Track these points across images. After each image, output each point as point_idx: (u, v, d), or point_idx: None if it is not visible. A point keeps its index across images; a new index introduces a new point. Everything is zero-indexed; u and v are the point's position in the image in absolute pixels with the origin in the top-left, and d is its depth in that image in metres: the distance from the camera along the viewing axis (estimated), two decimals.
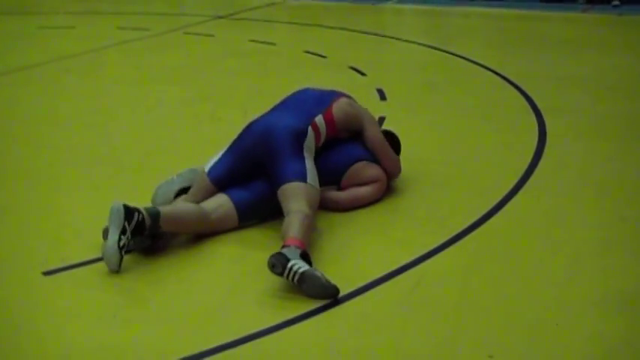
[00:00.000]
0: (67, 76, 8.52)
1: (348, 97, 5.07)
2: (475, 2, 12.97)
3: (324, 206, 4.75)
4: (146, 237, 4.25)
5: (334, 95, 4.99)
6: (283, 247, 3.97)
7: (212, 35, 10.80)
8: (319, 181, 4.56)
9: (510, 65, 8.46)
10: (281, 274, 3.85)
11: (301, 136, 4.58)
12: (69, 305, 3.84)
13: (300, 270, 3.82)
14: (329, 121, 4.79)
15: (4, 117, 6.97)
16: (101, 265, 4.16)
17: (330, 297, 3.81)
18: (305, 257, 3.93)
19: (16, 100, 7.51)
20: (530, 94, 7.27)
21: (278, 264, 3.84)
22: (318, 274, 3.82)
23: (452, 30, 11.63)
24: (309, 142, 4.62)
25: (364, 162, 4.90)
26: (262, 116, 4.81)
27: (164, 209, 4.28)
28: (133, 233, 4.08)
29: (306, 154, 4.54)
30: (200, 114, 6.97)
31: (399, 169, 5.06)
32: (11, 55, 9.55)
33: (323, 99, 4.92)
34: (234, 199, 4.54)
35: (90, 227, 4.61)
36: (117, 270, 4.06)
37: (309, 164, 4.51)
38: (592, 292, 3.87)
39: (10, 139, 6.32)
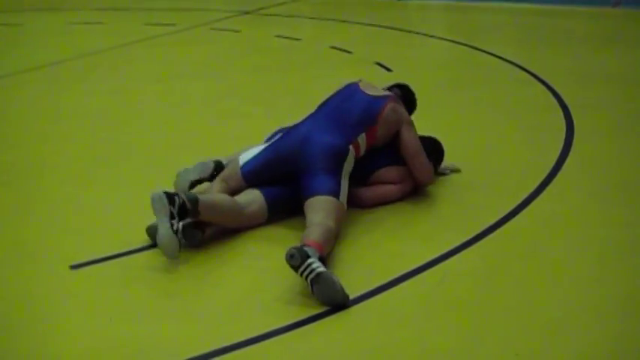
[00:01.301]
0: (94, 71, 8.57)
1: (394, 100, 4.91)
2: None
3: (348, 202, 4.74)
4: (196, 230, 4.27)
5: (381, 104, 4.82)
6: (304, 245, 3.93)
7: (238, 31, 10.82)
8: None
9: (538, 61, 8.41)
10: (297, 268, 3.78)
11: (342, 155, 4.54)
12: (94, 299, 3.86)
13: (319, 269, 3.76)
14: (371, 138, 4.74)
15: (32, 112, 7.02)
16: (127, 259, 4.21)
17: (339, 304, 3.73)
18: (323, 262, 3.88)
19: (44, 96, 7.56)
20: (557, 90, 7.23)
21: (298, 256, 3.78)
22: (335, 278, 3.76)
23: (478, 25, 11.57)
24: (349, 163, 4.57)
25: (393, 167, 4.87)
26: (305, 122, 4.77)
27: (202, 196, 4.29)
28: (179, 215, 4.09)
29: (343, 174, 4.49)
30: (226, 109, 6.99)
31: (430, 178, 4.93)
32: (40, 51, 9.62)
33: (369, 112, 4.77)
34: (265, 195, 4.55)
35: (117, 222, 4.66)
36: (176, 256, 4.08)
37: (344, 184, 4.46)
38: (618, 292, 3.85)
39: (38, 135, 6.37)
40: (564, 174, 5.27)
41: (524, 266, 4.13)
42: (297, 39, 10.07)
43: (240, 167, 4.67)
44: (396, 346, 3.46)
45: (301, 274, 3.79)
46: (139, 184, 5.23)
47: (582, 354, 3.39)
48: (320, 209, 4.28)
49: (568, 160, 5.50)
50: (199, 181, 4.89)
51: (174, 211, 4.09)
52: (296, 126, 4.77)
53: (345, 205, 4.42)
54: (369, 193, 4.81)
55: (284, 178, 4.60)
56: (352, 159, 4.61)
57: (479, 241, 4.38)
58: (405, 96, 5.14)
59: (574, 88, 7.37)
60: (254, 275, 4.07)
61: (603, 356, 3.39)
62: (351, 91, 4.94)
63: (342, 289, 3.74)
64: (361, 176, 4.81)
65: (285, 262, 3.82)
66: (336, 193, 4.37)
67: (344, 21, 11.40)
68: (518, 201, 4.83)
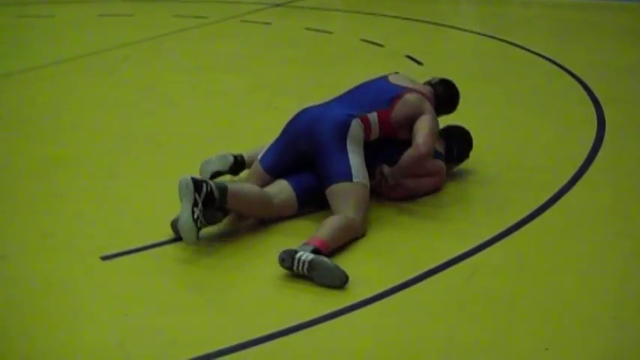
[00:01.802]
0: (125, 63, 8.61)
1: (420, 93, 4.85)
2: None
3: (378, 192, 4.74)
4: (217, 210, 4.25)
5: (400, 90, 4.80)
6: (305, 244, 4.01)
7: (269, 23, 10.83)
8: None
9: (569, 55, 8.36)
10: (290, 268, 3.89)
11: (344, 127, 4.51)
12: (126, 290, 3.89)
13: (309, 258, 3.86)
14: (384, 120, 4.70)
15: (63, 104, 7.07)
16: (157, 250, 4.23)
17: (339, 282, 3.81)
18: (317, 254, 3.92)
19: (76, 88, 7.61)
20: (589, 84, 7.18)
21: (287, 257, 3.90)
22: (326, 259, 3.84)
23: (510, 19, 11.51)
24: (354, 133, 4.52)
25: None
26: (315, 105, 4.81)
27: (231, 185, 4.29)
28: (204, 204, 4.11)
29: (350, 147, 4.47)
30: (256, 102, 7.00)
31: (427, 151, 4.61)
32: (71, 43, 9.68)
33: (386, 95, 4.77)
34: (293, 185, 4.54)
35: (148, 213, 4.69)
36: (195, 243, 4.11)
37: (354, 159, 4.44)
38: None
39: (69, 126, 6.41)
40: (595, 169, 5.24)
41: (554, 261, 4.11)
42: (328, 32, 10.07)
43: (259, 162, 4.69)
44: (426, 339, 3.46)
45: (298, 272, 3.87)
46: (169, 176, 5.22)
47: (613, 349, 3.37)
48: (337, 199, 4.34)
49: (599, 155, 5.46)
50: (219, 173, 4.93)
51: (199, 199, 4.10)
52: (302, 110, 4.76)
53: (364, 178, 4.41)
54: (399, 187, 4.75)
55: (307, 164, 4.59)
56: (359, 132, 4.55)
57: (508, 235, 4.36)
58: (445, 93, 5.08)
59: (605, 82, 7.32)
60: (284, 269, 4.08)
61: (636, 351, 3.37)
62: (376, 80, 4.97)
63: (338, 268, 3.82)
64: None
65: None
66: (348, 175, 4.36)
67: (375, 14, 11.37)
68: (549, 196, 4.81)
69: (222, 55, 8.98)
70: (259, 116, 6.57)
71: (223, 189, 4.20)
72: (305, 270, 3.86)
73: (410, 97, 4.77)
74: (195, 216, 4.08)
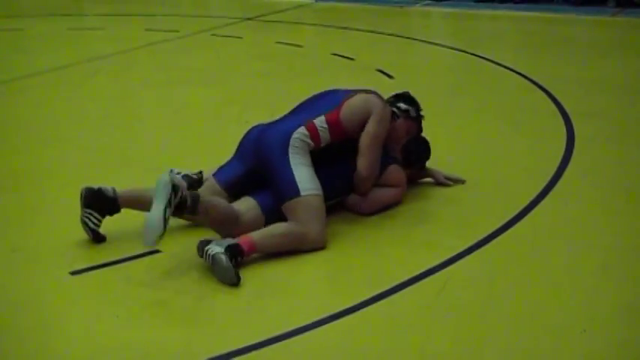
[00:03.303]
0: (96, 77, 8.58)
1: (373, 93, 4.81)
2: (503, 5, 12.91)
3: (348, 210, 4.76)
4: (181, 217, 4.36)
5: (350, 93, 4.78)
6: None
7: (240, 37, 10.83)
8: (344, 187, 4.62)
9: (539, 69, 8.42)
10: (201, 257, 4.10)
11: (284, 141, 4.47)
12: (95, 305, 3.86)
13: (212, 252, 4.01)
14: (334, 122, 4.61)
15: (33, 118, 7.03)
16: (127, 265, 4.21)
17: (229, 282, 3.96)
18: (235, 251, 4.05)
19: (46, 101, 7.56)
20: (558, 97, 7.23)
21: (200, 247, 4.11)
22: (224, 258, 3.97)
23: (480, 33, 11.59)
24: (296, 144, 4.46)
25: (391, 166, 4.85)
26: (264, 122, 4.79)
27: (203, 196, 4.27)
28: (176, 208, 4.11)
29: (293, 160, 4.42)
30: (227, 116, 6.99)
31: (367, 178, 4.66)
32: (41, 57, 9.63)
33: (335, 99, 4.72)
34: (260, 202, 4.51)
35: (117, 228, 4.64)
36: (154, 244, 4.06)
37: (299, 171, 4.39)
38: (620, 299, 3.85)
39: (39, 140, 6.37)
40: (565, 181, 5.27)
41: (526, 273, 4.13)
42: (299, 45, 10.08)
43: (214, 178, 4.66)
44: (398, 352, 3.45)
45: (205, 261, 4.07)
46: None
47: None
48: (292, 216, 4.33)
49: (569, 168, 5.49)
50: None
51: (173, 202, 4.08)
52: (253, 127, 4.77)
53: (313, 190, 4.35)
54: (364, 203, 4.76)
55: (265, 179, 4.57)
56: (303, 141, 4.49)
57: (480, 247, 4.37)
58: (416, 149, 5.05)
59: (575, 95, 7.37)
60: (257, 280, 4.06)
61: None
62: (329, 90, 4.95)
63: (231, 269, 3.96)
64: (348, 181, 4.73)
65: (289, 265, 3.98)
66: (295, 191, 4.32)
67: (346, 28, 11.41)
68: (520, 208, 4.83)
69: (194, 69, 8.97)
70: (230, 130, 6.52)
71: (196, 197, 4.19)
72: (209, 262, 4.02)
73: (359, 96, 4.74)
74: (166, 215, 4.06)
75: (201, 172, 4.60)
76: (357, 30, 11.20)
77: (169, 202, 4.06)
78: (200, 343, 3.51)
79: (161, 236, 4.05)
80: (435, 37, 10.66)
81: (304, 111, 4.74)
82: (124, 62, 9.37)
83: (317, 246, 4.33)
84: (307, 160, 4.49)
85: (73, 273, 4.13)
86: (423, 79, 8.30)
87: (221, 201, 4.43)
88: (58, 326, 3.67)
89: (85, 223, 4.45)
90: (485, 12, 12.69)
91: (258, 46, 10.42)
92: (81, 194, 4.48)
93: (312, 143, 4.55)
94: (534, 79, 7.95)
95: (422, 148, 5.10)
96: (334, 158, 4.69)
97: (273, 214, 4.47)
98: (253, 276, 4.12)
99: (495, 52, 9.36)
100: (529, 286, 3.98)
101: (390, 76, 8.20)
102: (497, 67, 8.66)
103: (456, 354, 3.44)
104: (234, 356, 3.40)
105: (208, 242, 4.10)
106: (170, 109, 7.28)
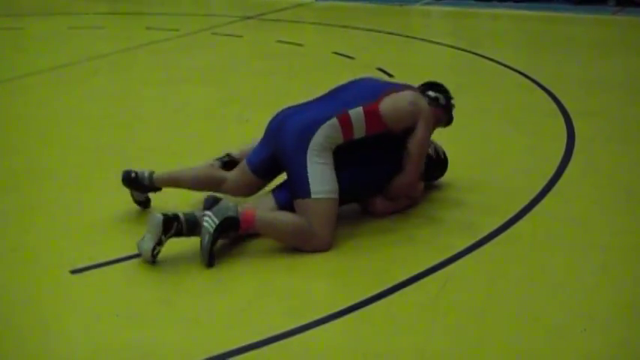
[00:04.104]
0: (95, 76, 8.58)
1: (411, 89, 4.74)
2: (503, 4, 12.90)
3: (360, 205, 4.76)
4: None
5: (394, 87, 4.69)
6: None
7: (240, 36, 10.82)
8: (371, 188, 4.61)
9: (539, 68, 8.41)
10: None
11: (310, 130, 4.32)
12: (96, 303, 3.86)
13: (203, 222, 4.09)
14: (372, 114, 4.45)
15: (33, 117, 7.03)
16: (128, 264, 4.20)
17: (202, 262, 4.10)
18: (229, 221, 4.10)
19: (46, 100, 7.56)
20: (559, 97, 7.23)
21: (205, 206, 4.23)
22: (207, 237, 4.06)
23: (480, 32, 11.58)
24: (320, 139, 4.32)
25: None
26: (295, 105, 4.69)
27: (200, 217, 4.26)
28: (171, 236, 4.19)
29: (311, 158, 4.29)
30: (227, 115, 6.99)
31: (406, 191, 4.69)
32: (41, 56, 9.62)
33: (374, 90, 4.58)
34: (277, 197, 4.48)
35: (118, 226, 4.66)
36: (151, 262, 4.17)
37: (315, 170, 4.27)
38: (620, 299, 3.85)
39: (39, 139, 6.37)
40: (566, 180, 5.27)
41: (526, 272, 4.13)
42: (299, 44, 10.07)
43: (246, 163, 4.66)
44: (398, 351, 3.45)
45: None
46: None
47: None
48: (301, 214, 4.29)
49: (569, 167, 5.49)
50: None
51: (164, 239, 4.15)
52: (284, 108, 4.68)
53: (326, 193, 4.26)
54: (381, 205, 4.70)
55: None
56: (332, 133, 4.36)
57: (481, 246, 4.37)
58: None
59: (575, 94, 7.37)
60: (256, 280, 4.07)
61: None
62: (367, 78, 4.92)
63: (207, 251, 4.08)
64: (378, 182, 4.67)
65: (287, 264, 4.01)
66: (306, 193, 4.25)
67: (346, 26, 11.40)
68: (520, 207, 4.83)
69: (194, 67, 8.96)
70: (231, 129, 6.56)
71: (193, 223, 4.18)
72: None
73: (406, 93, 4.63)
74: (155, 252, 4.14)
75: (228, 155, 4.81)
76: (358, 29, 11.20)
77: (159, 241, 4.14)
78: (200, 342, 3.51)
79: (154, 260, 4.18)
80: (435, 36, 10.64)
81: (337, 100, 4.57)
82: (124, 61, 9.36)
83: (320, 249, 4.30)
84: (327, 158, 4.34)
85: (74, 272, 4.13)
86: (423, 78, 8.19)
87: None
88: (58, 326, 3.67)
89: (131, 195, 4.83)
90: (486, 11, 12.68)
91: (259, 44, 10.41)
92: (122, 175, 4.77)
93: (341, 136, 4.40)
94: (535, 78, 7.95)
95: (439, 168, 5.10)
96: (367, 156, 4.59)
97: (288, 209, 4.41)
98: (253, 275, 4.12)
99: (496, 51, 9.35)
100: (529, 286, 3.98)
101: (390, 75, 8.19)
102: (498, 65, 8.65)
103: (455, 353, 3.44)
104: (233, 355, 3.40)
105: (213, 204, 4.14)
106: (170, 108, 7.28)
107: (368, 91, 4.61)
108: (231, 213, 4.10)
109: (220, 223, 4.07)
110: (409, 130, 4.56)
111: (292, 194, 4.35)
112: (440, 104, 4.92)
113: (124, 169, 4.77)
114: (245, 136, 5.53)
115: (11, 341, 3.55)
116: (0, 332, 3.62)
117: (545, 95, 7.35)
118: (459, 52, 9.57)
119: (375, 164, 4.62)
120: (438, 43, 10.17)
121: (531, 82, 7.86)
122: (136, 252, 4.26)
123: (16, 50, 10.09)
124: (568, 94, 7.28)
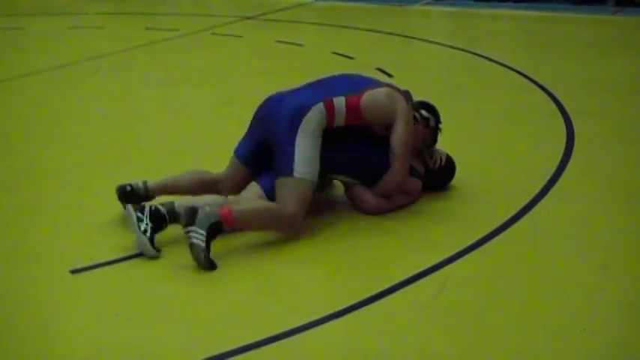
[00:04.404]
0: (96, 76, 8.57)
1: (397, 90, 4.77)
2: (503, 4, 12.90)
3: (353, 204, 4.75)
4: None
5: (374, 83, 4.80)
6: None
7: (240, 36, 10.82)
8: (359, 172, 4.65)
9: (539, 68, 8.41)
10: (184, 227, 4.14)
11: (301, 112, 4.45)
12: (96, 303, 3.87)
13: (190, 241, 4.07)
14: (352, 107, 4.58)
15: (33, 117, 7.02)
16: (127, 264, 4.22)
17: (204, 268, 4.10)
18: (215, 227, 4.12)
19: (46, 100, 7.56)
20: (558, 97, 7.23)
21: (185, 218, 4.13)
22: (202, 246, 4.05)
23: (480, 32, 11.57)
24: (309, 122, 4.44)
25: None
26: (281, 91, 4.78)
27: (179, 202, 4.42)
28: (152, 219, 4.27)
29: (300, 139, 4.41)
30: (227, 115, 6.99)
31: (393, 188, 4.70)
32: (41, 56, 9.61)
33: (359, 84, 4.71)
34: (265, 187, 4.52)
35: (118, 226, 4.65)
36: (155, 254, 4.23)
37: (302, 152, 4.39)
38: (620, 298, 3.85)
39: (39, 139, 6.37)
40: (565, 180, 5.27)
41: (525, 272, 4.13)
42: (299, 44, 10.07)
43: (234, 154, 4.73)
44: (397, 351, 3.46)
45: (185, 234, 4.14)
46: None
47: None
48: (279, 192, 4.39)
49: (569, 167, 5.50)
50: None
51: (145, 225, 4.24)
52: (270, 96, 4.76)
53: (307, 175, 4.39)
54: (373, 202, 4.71)
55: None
56: (317, 119, 4.48)
57: (479, 247, 4.38)
58: (427, 113, 4.99)
59: (575, 94, 7.36)
60: (256, 280, 4.07)
61: None
62: (349, 74, 5.01)
63: (203, 260, 4.07)
64: (369, 178, 4.71)
65: (286, 263, 4.00)
66: (290, 171, 4.37)
67: (346, 27, 11.40)
68: (519, 207, 4.83)
69: (194, 67, 8.96)
70: (230, 129, 6.54)
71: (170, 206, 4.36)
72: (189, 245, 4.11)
73: (385, 89, 4.72)
74: (142, 229, 4.22)
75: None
76: (357, 29, 11.20)
77: (139, 219, 4.25)
78: (199, 342, 3.51)
79: (152, 244, 4.22)
80: (434, 36, 10.65)
81: (324, 87, 4.71)
82: (123, 61, 9.36)
83: (291, 228, 4.37)
84: (315, 141, 4.46)
85: (73, 272, 4.13)
86: (422, 78, 8.29)
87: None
88: (58, 326, 3.67)
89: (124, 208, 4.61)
90: (485, 11, 12.67)
91: (259, 45, 10.40)
92: (116, 191, 4.71)
93: (325, 122, 4.53)
94: (534, 78, 7.95)
95: (445, 176, 5.10)
96: (375, 139, 4.69)
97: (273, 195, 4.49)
98: (252, 275, 4.12)
99: (495, 51, 9.35)
100: (528, 285, 3.99)
101: (389, 75, 8.18)
102: (497, 66, 8.65)
103: (455, 353, 3.44)
104: (233, 355, 3.40)
105: (192, 215, 4.12)
106: (170, 108, 7.28)
107: (352, 83, 4.74)
108: (213, 219, 4.13)
109: (207, 234, 4.09)
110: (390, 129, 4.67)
111: (276, 174, 4.43)
112: (429, 125, 4.97)
113: (117, 185, 4.70)
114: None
115: (11, 341, 3.55)
116: (0, 332, 3.62)
117: (545, 95, 7.36)
118: (459, 52, 9.57)
119: (379, 147, 4.67)
120: (437, 43, 10.17)
121: (531, 82, 7.86)
122: (136, 252, 4.27)
123: (16, 50, 10.08)
124: (568, 94, 7.28)
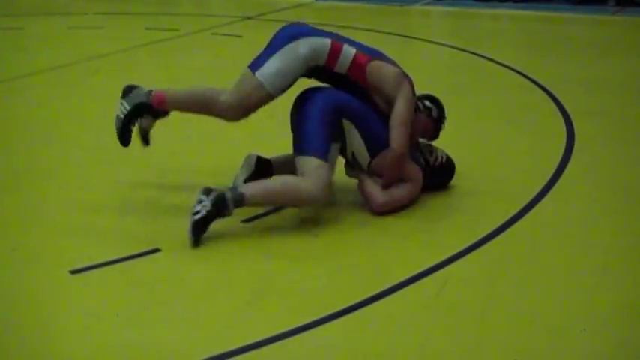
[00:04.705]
0: (96, 76, 8.57)
1: (407, 76, 4.82)
2: (503, 4, 12.91)
3: (364, 199, 4.76)
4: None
5: (391, 62, 4.85)
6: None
7: (240, 36, 10.83)
8: (368, 128, 4.70)
9: (539, 68, 8.41)
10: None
11: (304, 33, 4.76)
12: (95, 304, 3.86)
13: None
14: (358, 62, 4.69)
15: (33, 117, 7.02)
16: (128, 264, 4.20)
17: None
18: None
19: (46, 100, 7.56)
20: (558, 97, 7.23)
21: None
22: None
23: (480, 32, 11.58)
24: (308, 44, 4.69)
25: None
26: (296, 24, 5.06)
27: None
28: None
29: (287, 49, 4.74)
30: None
31: (397, 160, 4.66)
32: (40, 56, 9.61)
33: (375, 51, 4.83)
34: None
35: (118, 226, 4.65)
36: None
37: (277, 59, 4.76)
38: (620, 298, 3.85)
39: (39, 139, 6.37)
40: (565, 180, 5.27)
41: (525, 272, 4.13)
42: None
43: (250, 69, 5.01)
44: (397, 351, 3.46)
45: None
46: (139, 188, 5.23)
47: None
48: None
49: (569, 167, 5.49)
50: (250, 178, 4.86)
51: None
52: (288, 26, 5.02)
53: (266, 79, 4.81)
54: (381, 199, 4.69)
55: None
56: (320, 47, 4.69)
57: (479, 247, 4.38)
58: (431, 104, 5.04)
59: (575, 94, 7.37)
60: (256, 279, 4.07)
61: None
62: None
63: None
64: (372, 149, 4.72)
65: (286, 262, 4.04)
66: (254, 65, 4.86)
67: (346, 26, 11.38)
68: (520, 207, 4.83)
69: (194, 68, 8.96)
70: (229, 130, 6.53)
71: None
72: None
73: (396, 69, 4.76)
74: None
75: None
76: (357, 29, 11.19)
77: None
78: (199, 342, 3.51)
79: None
80: (434, 36, 10.66)
81: (341, 38, 4.83)
82: (123, 61, 9.36)
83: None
84: (297, 62, 4.73)
85: (73, 272, 4.13)
86: (422, 78, 8.24)
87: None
88: (58, 326, 3.67)
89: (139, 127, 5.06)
90: (485, 11, 12.68)
91: (259, 45, 10.26)
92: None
93: (325, 59, 4.68)
94: (534, 78, 7.95)
95: (445, 174, 5.09)
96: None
97: None
98: (252, 275, 4.12)
99: (495, 51, 9.35)
100: (528, 286, 3.99)
101: None
102: (497, 66, 8.65)
103: (455, 353, 3.44)
104: (233, 355, 3.40)
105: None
106: None
107: (368, 48, 4.85)
108: (142, 99, 4.52)
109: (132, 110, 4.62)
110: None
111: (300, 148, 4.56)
112: (431, 115, 5.00)
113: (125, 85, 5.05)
114: (245, 136, 5.54)
115: (11, 341, 3.55)
116: (0, 332, 3.62)
117: (545, 95, 7.36)
118: (459, 52, 9.57)
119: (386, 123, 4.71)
120: (437, 43, 10.18)
121: (531, 82, 7.86)
122: (135, 252, 4.28)
123: (16, 50, 10.08)
124: (567, 94, 7.28)
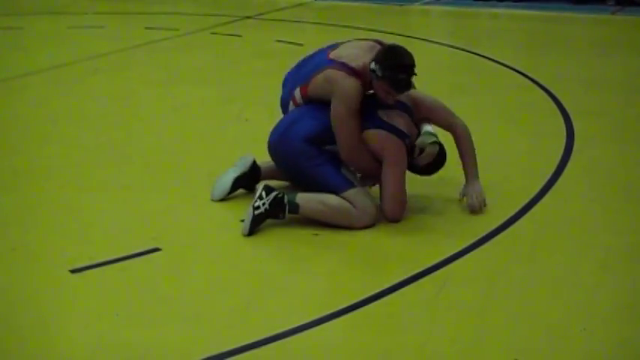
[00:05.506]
0: (95, 75, 8.57)
1: (340, 69, 4.63)
2: (502, 3, 12.90)
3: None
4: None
5: (327, 65, 4.71)
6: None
7: (240, 36, 10.82)
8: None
9: (539, 67, 8.41)
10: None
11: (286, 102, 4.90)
12: (96, 303, 3.86)
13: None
14: (305, 96, 4.82)
15: (33, 116, 7.03)
16: (127, 263, 4.22)
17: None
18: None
19: (46, 100, 7.56)
20: (558, 96, 7.23)
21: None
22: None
23: (479, 32, 11.58)
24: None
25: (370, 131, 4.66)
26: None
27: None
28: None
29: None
30: (227, 115, 6.99)
31: (349, 155, 4.64)
32: (41, 55, 9.61)
33: (314, 69, 4.79)
34: None
35: (117, 226, 4.66)
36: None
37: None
38: (620, 297, 3.85)
39: (39, 139, 6.36)
40: (565, 180, 5.27)
41: (525, 271, 4.13)
42: (298, 44, 10.07)
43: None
44: (397, 351, 3.46)
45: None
46: (139, 188, 5.24)
47: (582, 359, 3.39)
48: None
49: (569, 166, 5.50)
50: (240, 179, 4.91)
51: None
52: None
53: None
54: (387, 206, 4.66)
55: None
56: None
57: (479, 246, 4.38)
58: (375, 64, 4.63)
59: (574, 94, 7.37)
60: (256, 279, 4.07)
61: None
62: (318, 52, 5.03)
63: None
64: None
65: (287, 263, 4.07)
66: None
67: (346, 26, 11.39)
68: (519, 207, 4.83)
69: (193, 67, 8.96)
70: (230, 128, 6.56)
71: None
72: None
73: (328, 72, 4.69)
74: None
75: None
76: (357, 28, 11.18)
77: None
78: (199, 342, 3.51)
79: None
80: (434, 36, 10.65)
81: (296, 75, 4.96)
82: (123, 61, 9.36)
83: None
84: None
85: (73, 271, 4.13)
86: (422, 78, 8.25)
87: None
88: (58, 325, 3.67)
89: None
90: (485, 10, 12.68)
91: (258, 44, 10.40)
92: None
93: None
94: (534, 77, 7.95)
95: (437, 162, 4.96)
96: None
97: None
98: (252, 275, 4.12)
99: (495, 50, 9.35)
100: (528, 285, 3.99)
101: None
102: (497, 65, 8.66)
103: (455, 353, 3.44)
104: (233, 355, 3.40)
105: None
106: (170, 108, 7.27)
107: (305, 72, 4.88)
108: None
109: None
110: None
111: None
112: (377, 76, 4.59)
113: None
114: (245, 136, 5.55)
115: (11, 341, 3.55)
116: (0, 332, 3.62)
117: (545, 95, 7.36)
118: (459, 51, 9.58)
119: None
120: (437, 42, 10.17)
121: (530, 81, 7.87)
122: (135, 252, 4.28)
123: (16, 49, 10.08)
124: (567, 94, 7.28)
